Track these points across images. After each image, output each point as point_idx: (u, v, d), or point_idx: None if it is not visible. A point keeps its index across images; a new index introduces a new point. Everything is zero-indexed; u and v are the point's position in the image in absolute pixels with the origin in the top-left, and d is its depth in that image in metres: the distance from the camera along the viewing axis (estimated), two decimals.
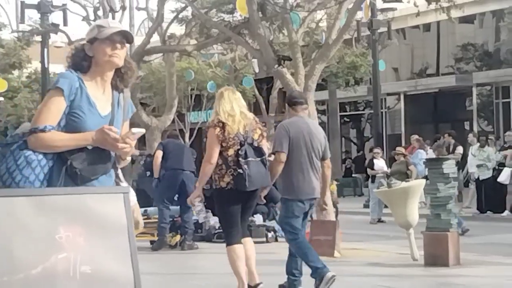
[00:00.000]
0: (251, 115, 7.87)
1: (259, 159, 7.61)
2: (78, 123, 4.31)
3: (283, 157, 8.06)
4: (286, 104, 8.69)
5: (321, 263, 8.08)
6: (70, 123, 4.31)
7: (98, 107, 4.39)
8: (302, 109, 8.43)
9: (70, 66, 4.47)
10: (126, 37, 4.47)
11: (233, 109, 7.61)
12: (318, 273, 8.01)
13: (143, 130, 4.39)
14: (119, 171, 4.54)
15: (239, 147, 7.52)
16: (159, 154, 13.23)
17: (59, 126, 4.30)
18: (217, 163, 7.58)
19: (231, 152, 7.52)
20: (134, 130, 4.31)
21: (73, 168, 4.23)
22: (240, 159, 7.47)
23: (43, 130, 4.22)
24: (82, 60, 4.43)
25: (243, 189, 7.54)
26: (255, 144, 7.64)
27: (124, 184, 4.52)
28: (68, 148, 4.25)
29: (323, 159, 8.41)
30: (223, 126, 7.54)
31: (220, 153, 7.54)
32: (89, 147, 4.28)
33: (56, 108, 4.29)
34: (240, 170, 7.46)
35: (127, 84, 4.57)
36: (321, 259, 8.30)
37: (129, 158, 4.54)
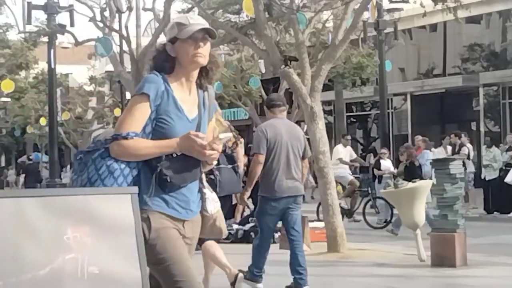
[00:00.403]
0: (226, 123, 8.30)
1: (230, 166, 7.98)
2: (166, 130, 4.11)
3: (262, 158, 8.43)
4: (265, 107, 9.00)
5: (260, 272, 8.60)
6: (157, 129, 4.12)
7: (185, 111, 4.18)
8: (280, 111, 8.74)
9: (153, 68, 4.23)
10: (208, 33, 4.19)
11: None
12: (251, 276, 8.57)
13: (229, 135, 4.25)
14: (203, 176, 4.35)
15: None
16: None
17: (144, 132, 4.10)
18: None
19: None
20: (221, 135, 4.12)
21: (163, 176, 4.06)
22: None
23: (125, 137, 4.02)
24: (164, 61, 4.20)
25: None
26: (228, 151, 8.00)
27: (207, 189, 4.36)
28: (152, 156, 4.07)
29: (303, 158, 8.72)
30: None
31: None
32: (178, 154, 4.09)
33: (140, 114, 4.08)
34: (212, 176, 7.70)
35: (211, 81, 4.34)
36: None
37: (214, 163, 4.34)
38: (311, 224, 14.27)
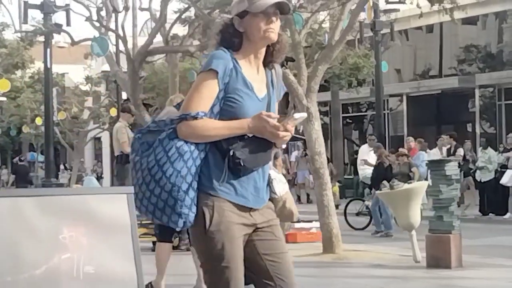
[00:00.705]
0: None
1: None
2: (236, 109, 3.86)
3: None
4: None
5: None
6: (226, 108, 3.87)
7: (255, 89, 3.93)
8: None
9: (219, 43, 3.96)
10: (281, 7, 3.94)
11: None
12: None
13: (304, 115, 3.96)
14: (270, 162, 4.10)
15: None
16: None
17: (212, 112, 3.86)
18: None
19: None
20: (296, 115, 3.86)
21: (236, 159, 3.80)
22: None
23: (195, 117, 3.78)
24: (232, 37, 3.93)
25: None
26: None
27: (272, 171, 4.12)
28: (221, 138, 3.82)
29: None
30: None
31: None
32: (249, 136, 3.84)
33: (208, 92, 3.83)
34: None
35: (278, 60, 4.07)
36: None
37: (283, 146, 4.16)
38: (297, 225, 14.31)
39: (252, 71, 3.95)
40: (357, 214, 18.21)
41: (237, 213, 3.89)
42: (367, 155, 19.07)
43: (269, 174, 4.09)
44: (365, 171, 18.26)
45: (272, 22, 3.90)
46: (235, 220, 3.88)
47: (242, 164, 3.81)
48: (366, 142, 20.47)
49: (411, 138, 23.03)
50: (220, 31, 3.98)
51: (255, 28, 3.90)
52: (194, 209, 3.80)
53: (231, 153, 3.81)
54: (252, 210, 3.94)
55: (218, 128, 3.81)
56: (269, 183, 4.09)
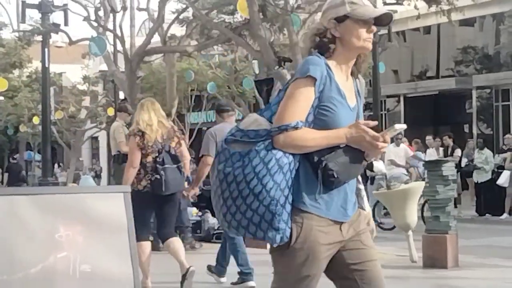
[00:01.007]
0: (169, 124, 8.58)
1: (175, 165, 8.33)
2: (329, 118, 3.66)
3: (210, 160, 8.68)
4: (215, 111, 9.68)
5: (248, 267, 8.81)
6: (320, 117, 3.65)
7: (347, 98, 3.75)
8: (228, 115, 9.29)
9: (314, 48, 3.75)
10: (383, 18, 3.76)
11: (151, 119, 8.28)
12: (242, 276, 8.85)
13: (404, 126, 3.79)
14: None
15: (157, 154, 8.22)
16: None
17: (306, 121, 3.63)
18: None
19: (149, 158, 8.20)
20: (397, 126, 3.69)
21: (329, 171, 3.59)
22: (158, 165, 8.18)
23: (295, 127, 3.56)
24: (329, 42, 3.72)
25: (159, 193, 8.23)
26: (172, 151, 8.33)
27: (361, 185, 4.02)
28: (318, 148, 3.61)
29: None
30: (142, 134, 8.21)
31: (140, 159, 8.21)
32: (341, 146, 3.65)
33: (305, 100, 3.61)
34: (158, 176, 8.15)
35: (361, 70, 3.90)
36: None
37: (378, 157, 4.04)
38: None
39: (343, 78, 3.78)
40: (385, 214, 17.80)
41: (325, 231, 3.71)
42: (394, 155, 18.36)
43: (360, 189, 3.96)
44: (392, 171, 17.64)
45: (372, 31, 3.74)
46: (322, 240, 3.69)
47: (336, 176, 3.61)
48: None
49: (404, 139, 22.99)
50: (315, 35, 3.77)
51: (355, 35, 3.72)
52: (289, 223, 3.61)
53: (323, 164, 3.61)
54: (342, 224, 3.76)
55: (316, 139, 3.62)
56: (359, 198, 3.92)
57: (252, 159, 3.53)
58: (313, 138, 3.59)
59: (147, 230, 8.54)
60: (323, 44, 3.71)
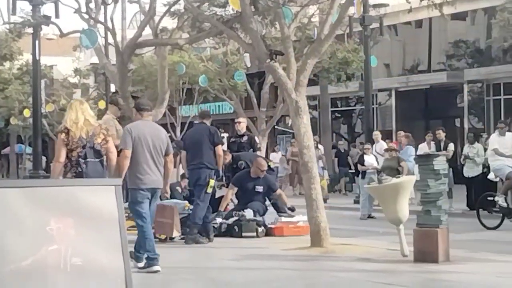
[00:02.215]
0: (96, 122, 9.43)
1: (97, 160, 9.14)
2: None
3: (128, 153, 9.73)
4: (134, 109, 10.44)
5: (155, 253, 9.65)
6: None
7: None
8: (147, 114, 10.18)
9: None
10: None
11: (78, 118, 9.07)
12: (148, 261, 9.68)
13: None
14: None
15: (81, 149, 9.04)
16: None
17: None
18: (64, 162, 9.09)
19: (74, 153, 9.04)
20: None
21: None
22: (80, 159, 9.02)
23: None
24: None
25: None
26: (97, 147, 9.12)
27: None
28: None
29: (166, 154, 10.06)
30: (68, 132, 9.01)
31: (66, 154, 9.03)
32: None
33: None
34: (80, 169, 9.01)
35: None
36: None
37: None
38: (284, 219, 14.28)
39: None
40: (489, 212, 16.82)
41: None
42: (498, 144, 16.53)
43: None
44: (496, 163, 16.39)
45: None
46: None
47: None
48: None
49: (402, 133, 23.02)
50: None
51: None
52: None
53: None
54: None
55: None
56: None
57: None
58: None
59: None
60: None
